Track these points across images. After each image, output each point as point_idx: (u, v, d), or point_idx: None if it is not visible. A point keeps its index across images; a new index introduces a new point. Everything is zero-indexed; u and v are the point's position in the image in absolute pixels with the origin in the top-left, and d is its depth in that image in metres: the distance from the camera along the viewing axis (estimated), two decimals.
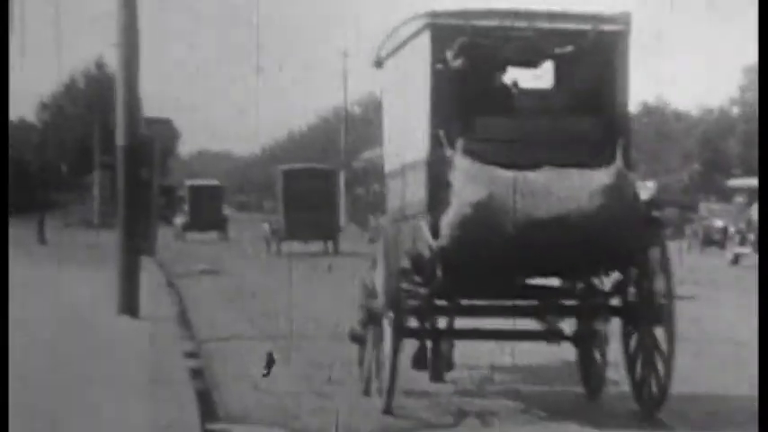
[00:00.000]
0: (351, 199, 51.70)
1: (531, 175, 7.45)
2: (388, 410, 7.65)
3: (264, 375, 8.45)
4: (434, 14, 7.73)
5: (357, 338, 8.59)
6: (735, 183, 32.73)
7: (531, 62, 8.28)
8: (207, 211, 39.02)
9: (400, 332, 7.69)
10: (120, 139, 12.88)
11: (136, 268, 12.79)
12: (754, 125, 52.95)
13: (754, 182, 25.97)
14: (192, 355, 10.06)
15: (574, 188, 7.41)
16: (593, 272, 7.91)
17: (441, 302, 7.99)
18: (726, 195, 50.89)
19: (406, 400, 8.16)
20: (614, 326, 8.30)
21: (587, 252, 7.51)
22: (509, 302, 8.05)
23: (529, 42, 7.82)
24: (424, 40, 7.77)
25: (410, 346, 8.53)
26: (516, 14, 7.88)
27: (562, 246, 7.44)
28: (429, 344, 8.87)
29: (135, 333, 11.21)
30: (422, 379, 8.84)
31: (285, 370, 9.88)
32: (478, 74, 7.80)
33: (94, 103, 53.16)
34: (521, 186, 7.40)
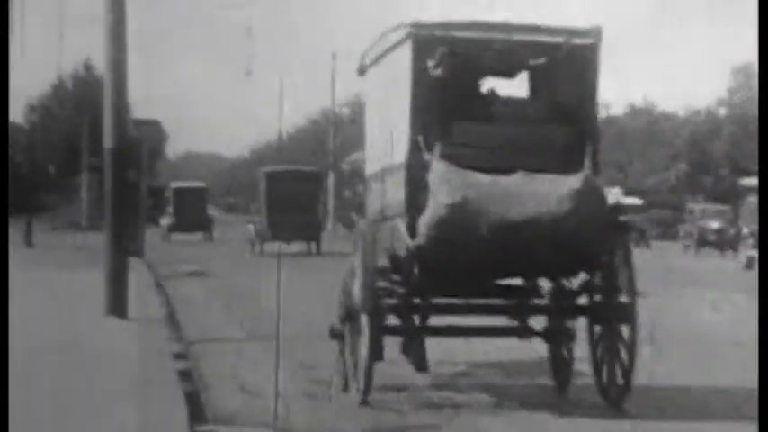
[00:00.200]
0: (339, 200, 51.73)
1: (505, 179, 7.83)
2: (364, 403, 7.98)
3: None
4: (417, 25, 8.10)
5: (337, 335, 8.85)
6: (747, 182, 31.83)
7: (507, 72, 8.64)
8: (192, 213, 39.63)
9: (377, 329, 8.01)
10: (107, 141, 12.85)
11: (124, 269, 12.78)
12: (741, 126, 53.21)
13: None
14: (179, 356, 10.07)
15: (544, 193, 7.78)
16: (561, 272, 8.27)
17: (417, 301, 8.31)
18: (713, 196, 51.09)
19: (384, 394, 8.42)
20: (582, 321, 8.64)
21: (556, 253, 7.88)
22: (483, 301, 8.42)
23: (505, 54, 8.23)
24: (406, 50, 8.13)
25: (390, 341, 8.73)
26: (494, 27, 8.30)
27: (533, 247, 7.83)
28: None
29: (123, 334, 11.20)
30: (400, 373, 9.08)
31: (272, 371, 9.90)
32: (457, 82, 8.13)
33: (82, 105, 53.02)
34: (494, 190, 7.77)
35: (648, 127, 58.38)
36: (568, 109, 8.26)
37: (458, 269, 7.98)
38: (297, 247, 30.72)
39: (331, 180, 52.78)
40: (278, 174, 33.58)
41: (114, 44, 12.83)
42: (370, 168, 9.22)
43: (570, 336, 8.68)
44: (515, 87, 8.78)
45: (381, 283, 8.22)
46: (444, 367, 9.53)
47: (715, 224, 39.00)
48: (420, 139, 7.96)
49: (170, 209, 40.42)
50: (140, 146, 25.33)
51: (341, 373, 8.70)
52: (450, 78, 8.07)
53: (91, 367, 8.95)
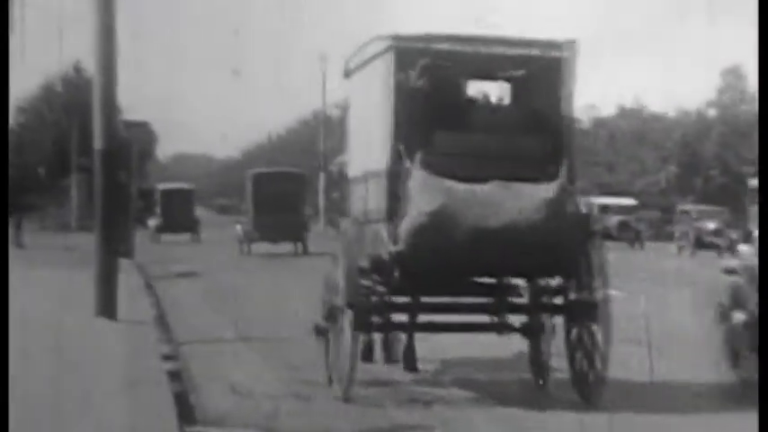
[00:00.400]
0: (328, 201, 51.71)
1: (483, 187, 8.18)
2: (346, 398, 8.24)
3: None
4: (398, 38, 8.44)
5: (321, 332, 9.13)
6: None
7: (489, 80, 8.91)
8: (179, 214, 40.27)
9: (358, 326, 8.32)
10: (97, 142, 12.84)
11: (113, 271, 12.76)
12: (731, 127, 53.31)
13: None
14: (169, 357, 10.06)
15: (520, 201, 8.13)
16: (535, 275, 8.64)
17: (400, 300, 8.65)
18: (702, 197, 51.19)
19: (367, 389, 8.69)
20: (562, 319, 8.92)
21: (530, 259, 8.25)
22: (464, 300, 8.76)
23: (483, 66, 8.58)
24: (388, 61, 8.46)
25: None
26: (472, 40, 8.64)
27: (508, 253, 8.17)
28: (402, 336, 9.56)
29: (112, 335, 11.20)
30: (384, 369, 9.40)
31: (262, 371, 9.91)
32: (437, 93, 8.42)
33: (72, 107, 52.94)
34: (471, 198, 8.11)
35: (638, 128, 58.49)
36: (544, 119, 8.54)
37: (436, 272, 8.30)
38: (283, 247, 31.20)
39: (321, 181, 52.77)
40: (264, 175, 34.17)
41: (104, 46, 12.81)
42: (353, 171, 9.45)
43: (549, 332, 8.95)
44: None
45: (364, 283, 8.53)
46: (427, 364, 9.76)
47: (711, 225, 38.96)
48: (401, 147, 8.24)
49: (158, 210, 40.96)
50: (130, 147, 25.31)
51: (326, 368, 8.92)
52: (430, 89, 8.37)
53: (80, 368, 8.94)
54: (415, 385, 9.09)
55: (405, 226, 8.11)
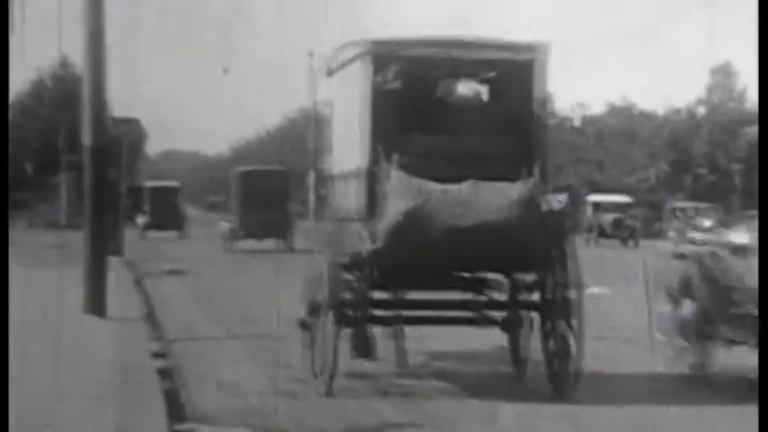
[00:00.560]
0: (318, 198, 51.65)
1: (457, 187, 8.43)
2: (328, 391, 8.47)
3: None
4: (374, 42, 8.72)
5: (305, 326, 9.35)
6: None
7: (464, 82, 9.09)
8: (166, 211, 41.16)
9: (339, 320, 8.59)
10: (86, 138, 12.80)
11: (103, 268, 12.73)
12: (720, 125, 53.40)
13: None
14: (159, 354, 10.04)
15: (493, 200, 8.39)
16: (509, 271, 8.91)
17: (380, 295, 8.89)
18: (693, 194, 51.27)
19: (349, 381, 8.94)
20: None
21: (504, 256, 8.53)
22: (443, 297, 9.03)
23: (458, 68, 8.81)
24: (365, 65, 8.71)
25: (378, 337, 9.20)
26: (447, 43, 8.88)
27: (482, 250, 8.43)
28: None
29: (102, 333, 11.17)
30: (366, 362, 9.47)
31: (252, 369, 9.92)
32: (413, 96, 8.69)
33: (61, 103, 52.80)
34: (446, 198, 8.38)
35: (628, 126, 58.59)
36: (517, 120, 8.77)
37: (413, 269, 8.57)
38: (269, 244, 31.69)
39: (312, 178, 52.73)
40: (250, 173, 34.99)
41: (93, 42, 12.77)
42: (336, 168, 9.67)
43: (527, 327, 9.19)
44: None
45: (345, 278, 8.79)
46: (409, 357, 9.93)
47: (707, 222, 38.98)
48: (378, 149, 8.51)
49: (145, 207, 41.61)
50: (119, 144, 25.25)
51: (311, 361, 9.08)
52: (407, 91, 8.62)
53: (69, 366, 8.92)
54: (396, 378, 9.31)
55: (382, 225, 8.37)
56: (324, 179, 10.21)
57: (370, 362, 9.34)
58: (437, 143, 8.70)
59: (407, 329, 9.77)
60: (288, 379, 9.14)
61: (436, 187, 8.42)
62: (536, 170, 8.52)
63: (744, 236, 9.94)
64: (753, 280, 8.97)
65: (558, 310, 8.68)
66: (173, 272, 21.87)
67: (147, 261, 24.66)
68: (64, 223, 44.67)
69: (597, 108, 62.02)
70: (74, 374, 8.52)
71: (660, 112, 59.26)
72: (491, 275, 9.11)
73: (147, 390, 7.89)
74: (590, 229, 43.17)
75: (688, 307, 9.97)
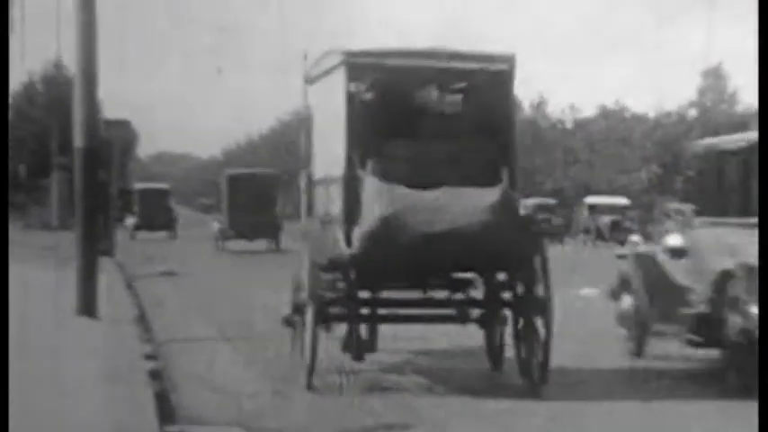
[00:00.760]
0: (308, 200, 51.56)
1: (430, 193, 8.76)
2: (309, 386, 8.78)
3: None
4: (349, 53, 9.00)
5: (290, 324, 9.74)
6: None
7: (436, 91, 9.46)
8: (155, 213, 42.31)
9: (320, 319, 8.92)
10: (78, 140, 12.79)
11: (94, 269, 12.73)
12: (711, 128, 53.60)
13: None
14: (150, 356, 10.05)
15: (466, 205, 8.71)
16: (483, 273, 9.27)
17: (359, 295, 9.17)
18: (683, 196, 51.27)
19: (331, 377, 9.29)
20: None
21: (476, 258, 8.90)
22: (419, 296, 9.38)
23: (431, 78, 9.15)
24: (341, 75, 9.02)
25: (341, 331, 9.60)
26: (420, 54, 9.23)
27: (455, 254, 8.76)
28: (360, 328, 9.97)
29: (93, 334, 11.17)
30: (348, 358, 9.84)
31: (243, 370, 9.94)
32: (387, 104, 9.03)
33: (52, 105, 52.71)
34: (421, 204, 8.69)
35: (619, 128, 58.69)
36: (488, 127, 9.11)
37: (389, 273, 8.96)
38: (258, 244, 32.60)
39: (303, 181, 52.71)
40: (239, 176, 35.96)
41: (85, 43, 12.77)
42: (318, 173, 10.01)
43: (502, 324, 9.54)
44: None
45: (325, 279, 9.13)
46: (391, 354, 10.30)
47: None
48: (354, 155, 8.83)
49: (135, 209, 42.65)
50: (111, 146, 25.23)
51: (295, 357, 9.40)
52: (381, 101, 8.98)
53: (60, 367, 8.93)
54: (378, 373, 9.64)
55: (358, 230, 8.67)
56: (313, 182, 10.41)
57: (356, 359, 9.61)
58: (411, 150, 9.02)
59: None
60: (274, 375, 9.38)
61: (410, 193, 8.74)
62: (506, 176, 8.91)
63: (679, 239, 10.71)
64: (684, 280, 10.16)
65: (530, 309, 9.03)
66: (165, 273, 21.88)
67: (138, 262, 24.69)
68: (56, 225, 44.73)
69: (589, 111, 62.14)
70: (64, 375, 8.52)
71: (651, 114, 59.40)
72: (466, 276, 9.41)
73: (137, 391, 7.90)
74: (587, 231, 43.16)
75: (627, 302, 10.97)
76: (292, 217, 38.41)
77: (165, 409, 7.61)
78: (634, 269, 10.98)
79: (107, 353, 9.84)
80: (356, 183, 8.79)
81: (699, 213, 10.56)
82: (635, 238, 12.10)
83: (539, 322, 8.93)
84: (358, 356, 9.62)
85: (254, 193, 33.65)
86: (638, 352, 10.79)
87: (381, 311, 9.44)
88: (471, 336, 10.19)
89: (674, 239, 10.74)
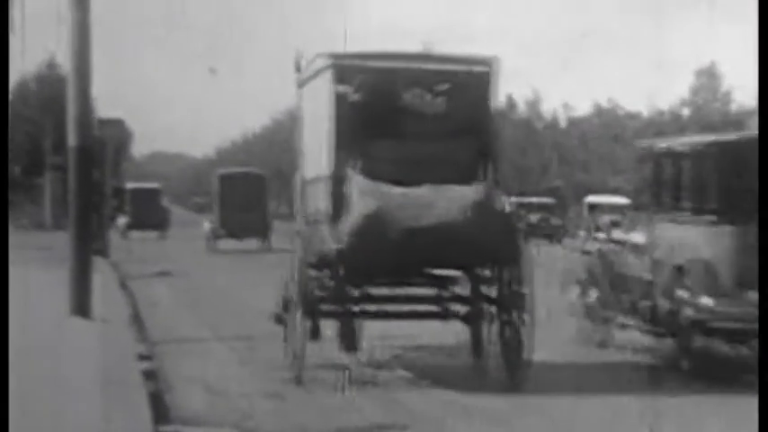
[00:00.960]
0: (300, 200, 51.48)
1: (415, 191, 9.08)
2: (298, 379, 9.07)
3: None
4: (336, 56, 9.39)
5: (280, 321, 10.02)
6: None
7: (421, 91, 9.68)
8: (147, 212, 43.02)
9: (307, 314, 9.23)
10: (71, 139, 12.75)
11: (88, 269, 12.69)
12: (705, 127, 53.68)
13: None
14: (144, 357, 10.03)
15: (449, 202, 9.01)
16: (466, 269, 9.57)
17: (347, 291, 9.46)
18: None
19: (320, 372, 9.53)
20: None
21: (460, 254, 9.14)
22: (409, 292, 9.70)
23: (416, 80, 9.46)
24: (328, 77, 9.39)
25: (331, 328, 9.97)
26: (405, 56, 9.71)
27: (439, 249, 9.03)
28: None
29: (87, 334, 11.15)
30: (339, 355, 10.16)
31: (238, 371, 9.93)
32: (373, 105, 9.35)
33: (46, 104, 52.64)
34: (405, 201, 9.00)
35: (613, 127, 58.74)
36: (471, 127, 9.46)
37: (376, 268, 9.21)
38: (250, 243, 33.07)
39: (297, 180, 52.69)
40: (229, 176, 36.48)
41: (78, 42, 12.73)
42: (307, 173, 10.33)
43: (486, 320, 9.77)
44: None
45: (314, 275, 9.45)
46: (379, 350, 10.59)
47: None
48: (342, 155, 9.19)
49: (127, 208, 43.24)
50: (104, 145, 25.18)
51: (286, 353, 9.65)
52: (367, 102, 9.30)
53: (54, 368, 8.90)
54: (365, 368, 9.93)
55: (345, 226, 8.97)
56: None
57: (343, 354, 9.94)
58: (396, 149, 9.32)
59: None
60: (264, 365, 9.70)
61: (396, 191, 9.04)
62: (489, 174, 9.27)
63: (641, 236, 11.36)
64: (643, 274, 10.90)
65: (513, 304, 9.31)
66: (158, 274, 21.88)
67: (131, 262, 24.73)
68: (49, 224, 44.71)
69: (584, 109, 62.19)
70: (58, 376, 8.50)
71: (645, 113, 59.47)
72: (450, 272, 9.72)
73: (131, 391, 7.87)
74: (588, 231, 43.14)
75: (593, 296, 11.77)
76: (288, 217, 38.50)
77: (160, 410, 7.59)
78: (598, 265, 11.72)
79: (101, 353, 9.82)
80: (343, 181, 9.11)
81: (650, 211, 11.20)
82: (600, 235, 12.68)
83: (521, 318, 9.22)
84: (350, 348, 9.93)
85: (245, 193, 34.09)
86: (603, 343, 11.54)
87: (368, 308, 9.65)
88: (457, 332, 10.42)
89: (635, 236, 11.42)
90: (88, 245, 12.84)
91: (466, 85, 9.49)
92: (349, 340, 10.30)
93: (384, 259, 9.04)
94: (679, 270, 10.17)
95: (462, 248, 9.05)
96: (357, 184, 9.06)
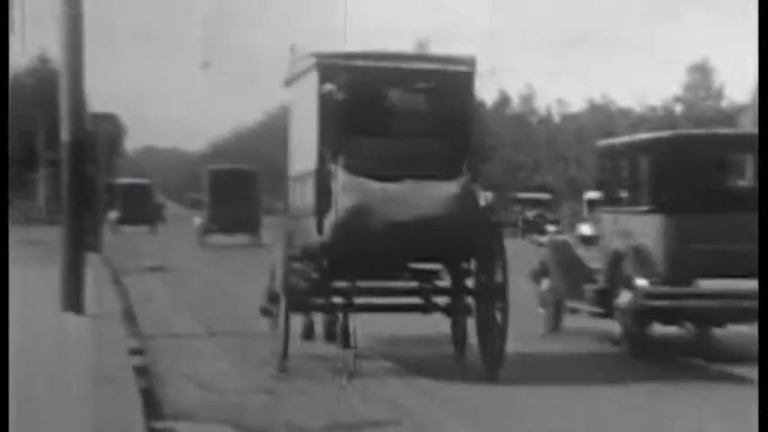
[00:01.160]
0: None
1: (396, 186, 9.40)
2: (282, 370, 9.40)
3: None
4: (321, 55, 9.68)
5: (266, 313, 10.41)
6: None
7: (402, 91, 9.95)
8: (138, 207, 44.01)
9: (291, 307, 9.54)
10: (64, 134, 12.74)
11: (81, 265, 12.68)
12: (697, 123, 53.74)
13: None
14: (136, 352, 10.03)
15: (428, 197, 9.37)
16: (444, 261, 9.91)
17: (331, 283, 9.78)
18: None
19: (305, 362, 9.89)
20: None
21: (438, 247, 9.53)
22: (387, 284, 10.04)
23: (398, 79, 9.76)
24: (313, 76, 9.68)
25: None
26: (388, 56, 9.94)
27: (419, 242, 9.40)
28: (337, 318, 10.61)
29: (79, 330, 11.15)
30: (322, 346, 10.65)
31: (230, 367, 9.94)
32: (357, 103, 9.63)
33: (40, 100, 52.54)
34: (387, 195, 9.34)
35: (606, 124, 58.78)
36: (451, 125, 9.74)
37: (358, 259, 9.54)
38: (241, 238, 33.63)
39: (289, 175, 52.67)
40: (219, 172, 37.32)
41: (71, 37, 12.71)
42: (294, 170, 10.63)
43: (467, 311, 10.05)
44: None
45: (298, 269, 9.77)
46: (364, 342, 10.68)
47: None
48: (326, 151, 9.48)
49: (118, 203, 43.87)
50: (98, 140, 25.15)
51: (273, 344, 9.90)
52: (351, 100, 9.58)
53: (47, 363, 8.90)
54: (349, 358, 10.05)
55: (329, 220, 9.32)
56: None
57: (325, 344, 10.46)
58: (378, 146, 9.61)
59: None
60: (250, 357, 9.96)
61: (377, 186, 9.37)
62: (468, 170, 9.54)
63: (590, 229, 12.51)
64: (591, 262, 11.93)
65: (490, 296, 9.66)
66: (151, 269, 21.89)
67: (123, 257, 24.75)
68: (43, 219, 44.76)
69: (578, 106, 62.22)
70: (49, 372, 8.50)
71: (638, 109, 59.53)
72: (431, 266, 10.03)
73: (123, 387, 7.88)
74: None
75: (545, 284, 12.67)
76: (281, 212, 38.56)
77: (152, 405, 7.60)
78: (551, 255, 12.57)
79: (93, 348, 9.82)
80: (327, 176, 9.41)
81: (602, 204, 12.29)
82: (551, 228, 13.59)
83: (497, 309, 9.54)
84: (345, 344, 10.24)
85: (235, 189, 34.54)
86: (555, 327, 12.52)
87: (351, 300, 9.91)
88: (437, 324, 10.68)
89: (585, 228, 12.56)
90: (81, 240, 12.84)
91: (447, 84, 9.79)
92: (344, 336, 10.59)
93: (366, 251, 9.40)
94: (618, 255, 11.19)
95: (440, 242, 9.42)
96: (341, 179, 9.36)
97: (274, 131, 73.58)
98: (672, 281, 10.64)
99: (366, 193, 9.33)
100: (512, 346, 9.53)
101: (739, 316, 10.73)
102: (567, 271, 12.27)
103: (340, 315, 10.39)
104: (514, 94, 62.84)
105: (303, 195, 10.04)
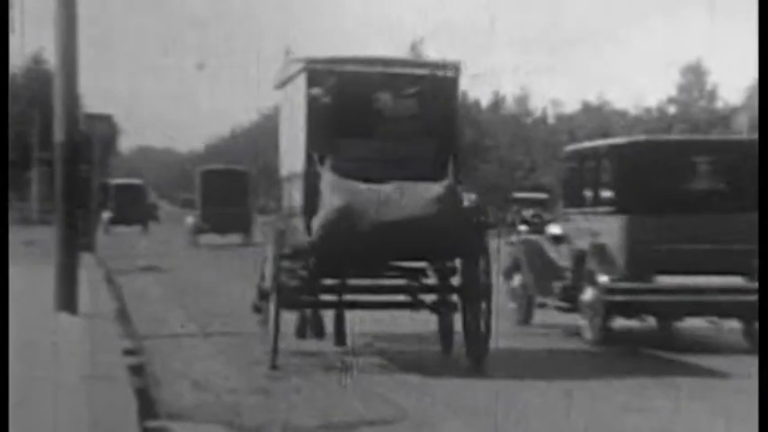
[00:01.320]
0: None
1: (382, 187, 9.63)
2: (273, 367, 9.59)
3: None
4: (309, 60, 9.99)
5: (257, 310, 10.68)
6: None
7: (388, 94, 10.20)
8: (130, 207, 44.24)
9: (281, 304, 9.76)
10: (58, 134, 12.73)
11: (74, 264, 12.68)
12: (692, 124, 53.81)
13: None
14: (130, 352, 10.04)
15: (413, 197, 9.59)
16: (430, 260, 10.19)
17: (323, 282, 10.10)
18: None
19: (295, 359, 10.09)
20: None
21: (423, 246, 9.76)
22: (379, 282, 10.28)
23: (384, 83, 10.01)
24: (302, 80, 9.97)
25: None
26: (375, 61, 10.26)
27: (403, 242, 9.63)
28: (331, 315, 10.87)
29: (74, 330, 11.15)
30: (313, 342, 10.87)
31: (225, 367, 9.95)
32: (344, 107, 9.91)
33: (33, 99, 52.44)
34: (373, 196, 9.56)
35: (601, 124, 58.86)
36: (436, 128, 10.00)
37: (345, 258, 9.81)
38: (233, 238, 33.95)
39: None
40: (211, 172, 37.71)
41: (65, 37, 12.71)
42: (284, 171, 10.93)
43: (453, 309, 10.32)
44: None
45: (287, 267, 9.97)
46: (352, 338, 11.00)
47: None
48: (314, 154, 9.74)
49: (110, 203, 44.17)
50: (91, 140, 25.15)
51: (266, 341, 10.06)
52: (338, 104, 9.85)
53: (41, 363, 8.90)
54: (339, 355, 10.44)
55: (317, 220, 9.55)
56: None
57: (317, 341, 10.72)
58: (364, 148, 9.89)
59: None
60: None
61: (364, 187, 9.61)
62: (452, 171, 9.78)
63: (558, 228, 13.03)
64: (559, 260, 12.66)
65: (474, 294, 9.93)
66: (144, 268, 21.91)
67: (117, 257, 24.79)
68: (36, 219, 44.74)
69: (572, 106, 62.28)
70: (43, 373, 8.50)
71: (632, 110, 59.60)
72: (418, 265, 10.30)
73: (118, 386, 7.88)
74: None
75: (516, 281, 13.37)
76: (275, 212, 38.66)
77: (146, 405, 7.61)
78: (522, 253, 13.24)
79: (87, 348, 9.83)
80: (315, 178, 9.66)
81: (570, 205, 12.94)
82: (522, 227, 14.36)
83: (481, 306, 9.83)
84: (340, 341, 10.57)
85: (227, 189, 34.83)
86: (526, 321, 13.24)
87: (339, 297, 10.22)
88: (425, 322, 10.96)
89: (554, 228, 13.14)
90: (75, 240, 12.84)
91: (432, 88, 10.05)
92: (337, 334, 10.93)
93: (353, 251, 9.64)
94: (583, 254, 11.89)
95: (425, 241, 9.66)
96: (328, 180, 9.60)
97: (269, 132, 73.55)
98: (632, 277, 11.31)
99: (353, 193, 9.55)
100: (492, 341, 9.82)
101: (696, 310, 11.47)
102: (537, 268, 12.94)
103: (330, 312, 10.62)
104: (510, 94, 62.89)
105: (293, 196, 10.30)
